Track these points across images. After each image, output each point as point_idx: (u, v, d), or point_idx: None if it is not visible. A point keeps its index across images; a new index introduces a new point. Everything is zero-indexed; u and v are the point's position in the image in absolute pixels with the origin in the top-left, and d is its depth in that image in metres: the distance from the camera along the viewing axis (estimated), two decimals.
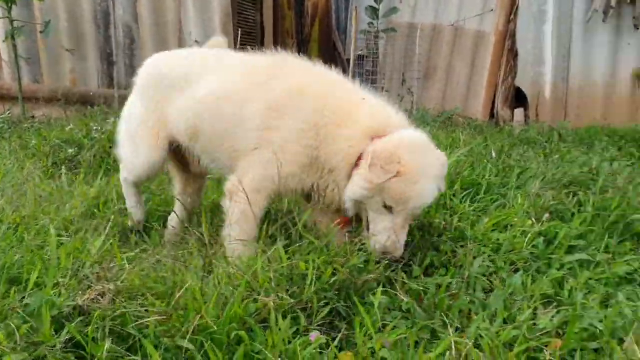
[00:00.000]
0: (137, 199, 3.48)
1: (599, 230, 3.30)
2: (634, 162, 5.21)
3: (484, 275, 2.69)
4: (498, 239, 3.04)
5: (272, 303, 2.12)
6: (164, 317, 2.00)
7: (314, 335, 1.97)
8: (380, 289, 2.39)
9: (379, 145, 2.63)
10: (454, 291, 2.55)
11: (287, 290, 2.29)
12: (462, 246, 2.92)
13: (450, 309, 2.40)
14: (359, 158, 2.69)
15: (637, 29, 9.03)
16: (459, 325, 2.32)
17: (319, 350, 1.99)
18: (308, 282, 2.31)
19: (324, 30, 10.92)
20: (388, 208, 2.62)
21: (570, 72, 9.42)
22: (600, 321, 2.34)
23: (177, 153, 3.39)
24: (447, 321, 2.28)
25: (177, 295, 2.02)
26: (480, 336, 2.16)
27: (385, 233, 2.62)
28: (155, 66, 3.36)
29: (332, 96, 2.83)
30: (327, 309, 2.28)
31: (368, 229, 2.73)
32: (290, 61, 3.04)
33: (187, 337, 1.87)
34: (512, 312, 2.37)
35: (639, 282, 2.90)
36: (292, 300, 2.22)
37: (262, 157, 2.78)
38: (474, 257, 2.78)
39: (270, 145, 2.77)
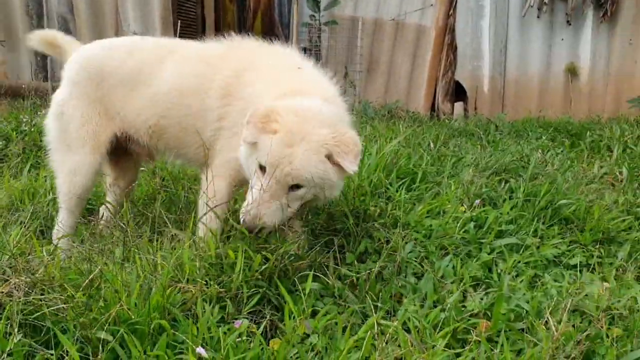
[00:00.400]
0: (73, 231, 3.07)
1: (528, 216, 3.39)
2: (563, 150, 5.39)
3: (415, 260, 2.70)
4: (431, 225, 3.07)
5: (198, 292, 2.07)
6: (83, 309, 1.91)
7: (239, 322, 1.93)
8: (311, 274, 2.36)
9: (263, 103, 2.44)
10: (385, 276, 2.56)
11: (217, 279, 2.24)
12: (395, 233, 2.93)
13: (381, 294, 2.40)
14: None
15: (570, 24, 9.34)
16: (389, 309, 2.33)
17: (247, 338, 1.95)
18: (237, 270, 2.26)
19: (267, 23, 10.83)
20: (263, 169, 2.36)
21: (507, 67, 9.68)
22: (527, 302, 2.39)
23: (115, 145, 3.14)
24: (377, 305, 2.28)
25: (96, 286, 1.94)
26: (409, 319, 2.17)
27: (253, 198, 2.34)
28: (94, 61, 3.02)
29: (269, 68, 2.72)
30: (257, 298, 2.24)
31: None
32: (243, 45, 2.93)
33: (105, 328, 1.79)
34: (441, 295, 2.40)
35: (565, 263, 3.00)
36: (220, 289, 2.17)
37: (220, 145, 2.73)
38: (406, 243, 2.80)
39: (225, 131, 2.72)
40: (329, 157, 2.35)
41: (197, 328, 1.91)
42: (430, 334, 2.08)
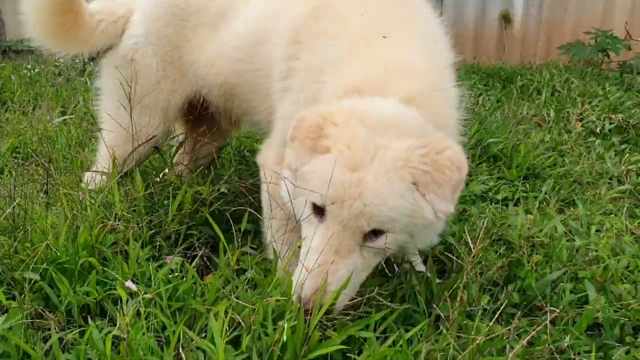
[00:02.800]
0: None
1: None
2: (496, 94, 5.54)
3: None
4: None
5: (129, 231, 2.05)
6: (9, 251, 1.86)
7: (170, 258, 1.93)
8: (247, 215, 2.35)
9: (313, 109, 1.71)
10: None
11: (150, 222, 2.22)
12: None
13: None
14: None
15: None
16: None
17: (180, 273, 1.96)
18: (171, 211, 2.25)
19: None
20: (319, 211, 1.62)
21: (443, 14, 9.74)
22: (453, 235, 2.49)
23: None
24: None
25: (21, 228, 1.89)
26: None
27: (310, 259, 1.58)
28: None
29: (355, 23, 1.92)
30: (190, 237, 2.25)
31: None
32: None
33: (32, 268, 1.75)
34: None
35: (492, 198, 3.13)
36: (152, 229, 2.17)
37: (282, 112, 2.04)
38: None
39: (290, 95, 2.00)
40: (416, 185, 1.59)
41: (128, 266, 1.89)
42: None
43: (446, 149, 1.60)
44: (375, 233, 1.59)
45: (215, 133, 2.77)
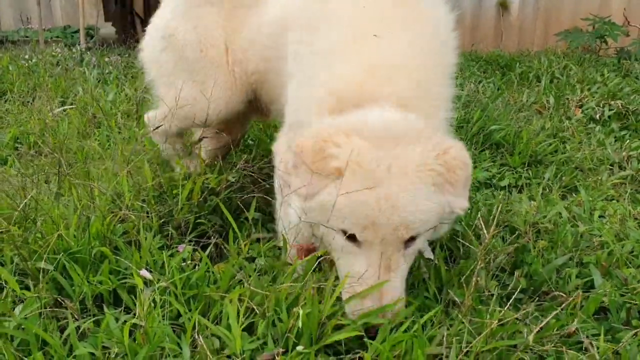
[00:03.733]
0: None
1: (462, 142, 3.50)
2: (494, 80, 5.55)
3: None
4: None
5: (139, 220, 2.05)
6: (20, 241, 1.87)
7: (182, 247, 1.94)
8: (254, 203, 2.37)
9: (309, 131, 1.68)
10: None
11: (159, 211, 2.23)
12: None
13: None
14: None
15: None
16: None
17: (192, 262, 1.97)
18: (180, 200, 2.25)
19: None
20: (352, 238, 1.60)
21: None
22: (461, 222, 2.51)
23: None
24: None
25: (31, 218, 1.89)
26: None
27: (364, 284, 1.59)
28: None
29: (349, 12, 1.86)
30: (201, 225, 2.25)
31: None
32: None
33: (44, 258, 1.76)
34: None
35: (496, 185, 3.15)
36: (162, 219, 2.17)
37: (287, 98, 2.03)
38: None
39: (293, 79, 1.99)
40: (434, 187, 1.61)
41: (140, 256, 1.90)
42: None
43: (450, 148, 1.63)
44: (413, 238, 1.62)
45: (237, 123, 2.79)
